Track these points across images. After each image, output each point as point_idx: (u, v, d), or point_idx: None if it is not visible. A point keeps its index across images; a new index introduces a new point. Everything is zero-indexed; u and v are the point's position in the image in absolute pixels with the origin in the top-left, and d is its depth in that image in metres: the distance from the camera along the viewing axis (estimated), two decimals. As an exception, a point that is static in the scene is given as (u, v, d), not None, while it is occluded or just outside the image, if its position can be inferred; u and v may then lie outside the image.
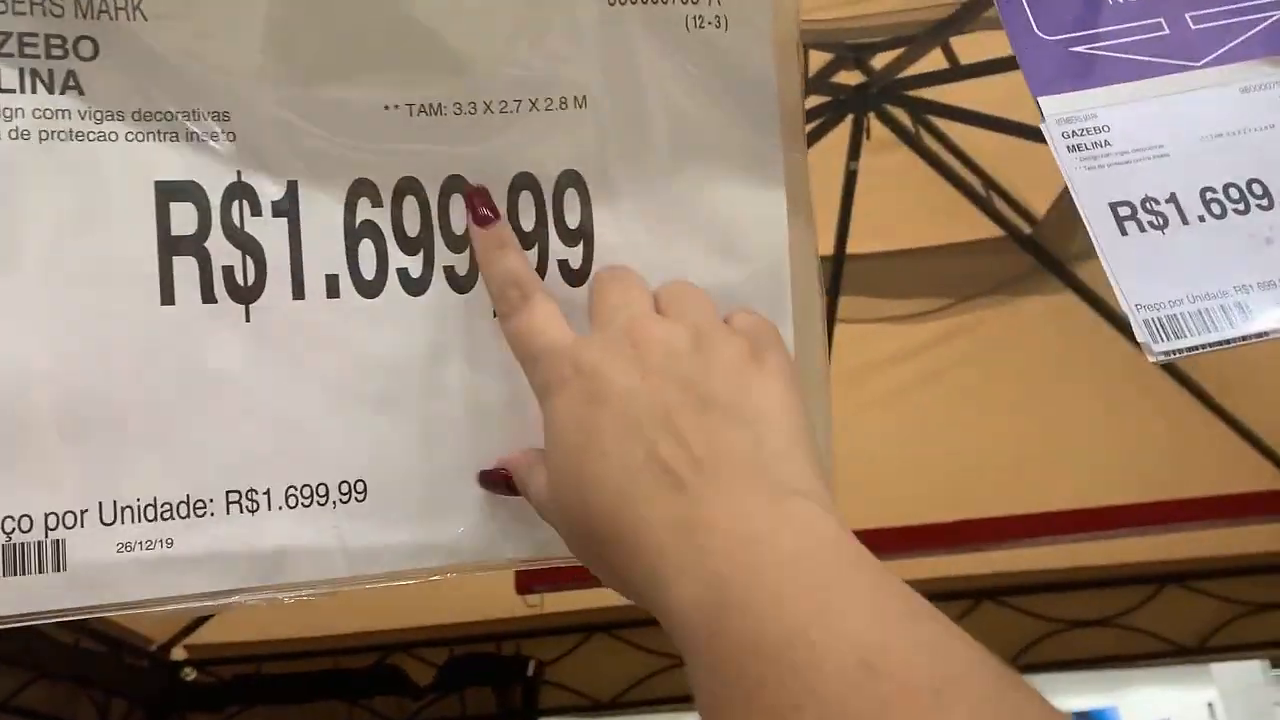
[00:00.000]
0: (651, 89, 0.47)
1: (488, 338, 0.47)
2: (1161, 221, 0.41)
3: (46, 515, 0.42)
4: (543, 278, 0.47)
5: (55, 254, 0.43)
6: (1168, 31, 0.44)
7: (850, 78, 1.76)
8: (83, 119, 0.43)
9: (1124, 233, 0.40)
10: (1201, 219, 0.41)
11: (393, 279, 0.46)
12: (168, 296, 0.44)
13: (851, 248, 1.97)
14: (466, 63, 0.46)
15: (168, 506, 0.44)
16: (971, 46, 1.62)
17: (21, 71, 0.43)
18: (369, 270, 0.46)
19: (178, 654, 2.55)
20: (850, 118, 1.79)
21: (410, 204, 0.46)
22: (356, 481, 0.46)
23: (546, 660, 2.59)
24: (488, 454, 0.47)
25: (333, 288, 0.46)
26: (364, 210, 0.46)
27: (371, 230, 0.46)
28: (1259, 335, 0.39)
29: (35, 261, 0.42)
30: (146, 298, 0.44)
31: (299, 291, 0.46)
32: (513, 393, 0.47)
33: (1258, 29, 0.43)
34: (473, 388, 0.47)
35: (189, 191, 0.44)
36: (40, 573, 0.42)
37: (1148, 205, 0.41)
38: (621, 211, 0.47)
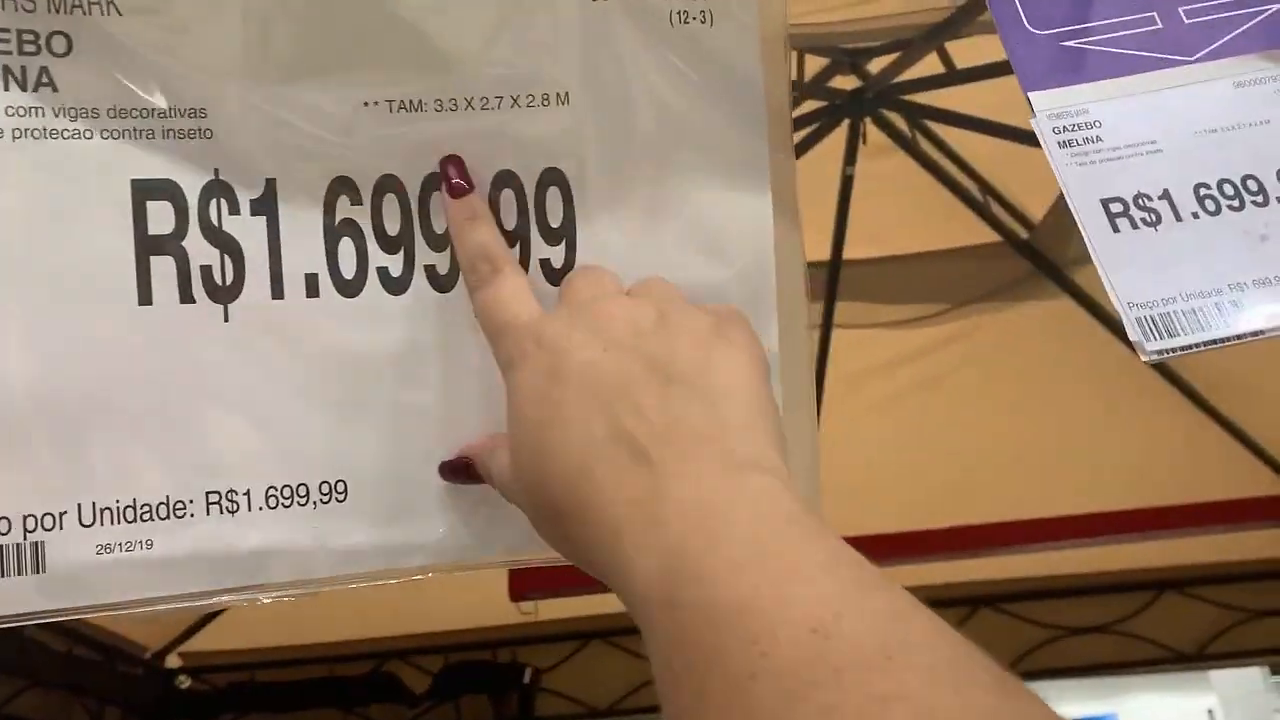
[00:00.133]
0: (635, 86, 0.46)
1: (469, 337, 0.46)
2: (1154, 218, 0.40)
3: (25, 517, 0.42)
4: None
5: (30, 254, 0.42)
6: (1161, 26, 0.43)
7: (846, 82, 1.75)
8: (56, 116, 0.42)
9: (1116, 230, 0.40)
10: (1195, 216, 0.40)
11: (373, 278, 0.46)
12: (145, 296, 0.44)
13: (848, 253, 1.97)
14: (447, 59, 0.46)
15: (147, 508, 0.43)
16: (968, 51, 1.62)
17: None
18: (349, 269, 0.46)
19: (172, 661, 2.54)
20: (846, 122, 1.79)
21: (390, 202, 0.46)
22: (337, 482, 0.45)
23: (543, 667, 2.58)
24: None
25: (312, 287, 0.45)
26: (344, 209, 0.46)
27: (351, 229, 0.46)
28: (1254, 334, 0.38)
29: (9, 262, 0.42)
30: (123, 298, 0.43)
31: (278, 291, 0.45)
32: (494, 392, 0.46)
33: (1252, 23, 0.43)
34: (454, 387, 0.46)
35: (166, 190, 0.44)
36: (19, 575, 0.42)
37: (1140, 202, 0.40)
38: (604, 210, 0.47)
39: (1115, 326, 1.90)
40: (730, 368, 0.39)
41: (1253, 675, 3.80)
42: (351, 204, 0.46)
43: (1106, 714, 3.90)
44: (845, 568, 0.32)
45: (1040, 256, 1.89)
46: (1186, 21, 0.43)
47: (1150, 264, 0.39)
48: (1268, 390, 2.14)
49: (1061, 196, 0.41)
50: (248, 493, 0.44)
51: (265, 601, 0.45)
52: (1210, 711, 4.05)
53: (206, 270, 0.44)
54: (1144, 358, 0.38)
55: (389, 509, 0.46)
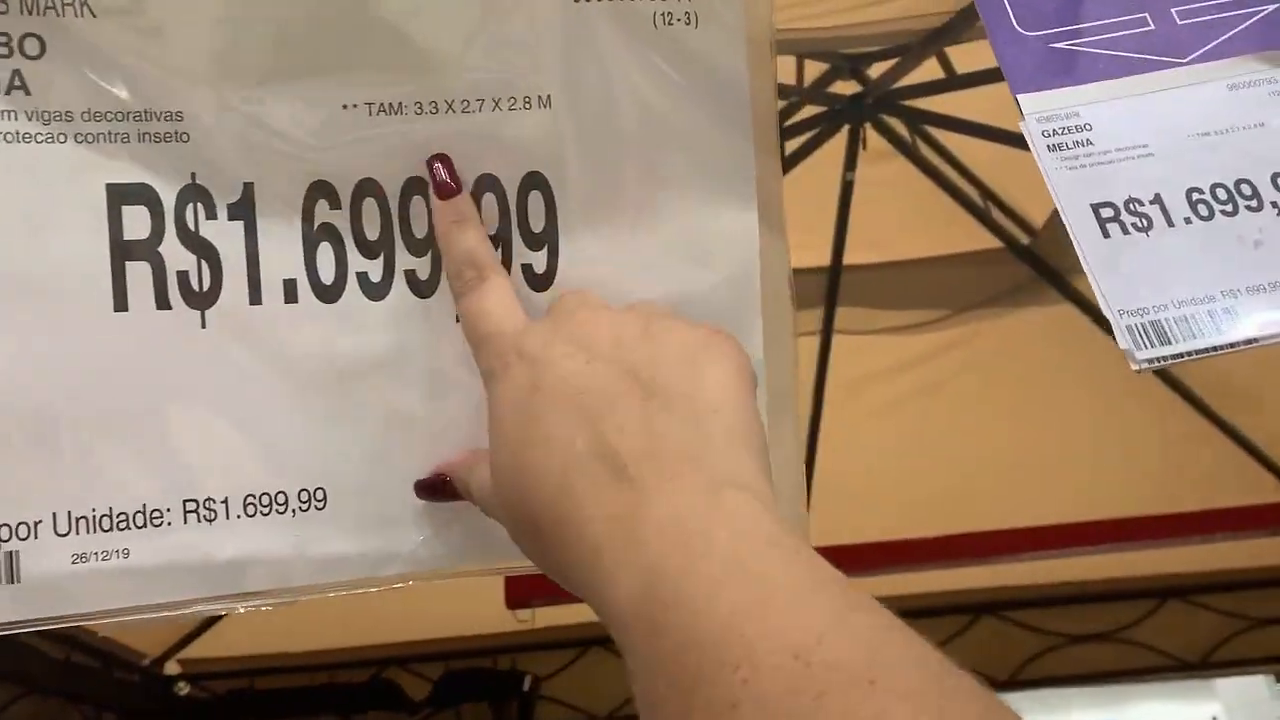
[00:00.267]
0: (618, 89, 0.46)
1: (449, 344, 0.46)
2: (1146, 223, 0.39)
3: None
4: None
5: (2, 259, 0.41)
6: (1153, 27, 0.42)
7: (846, 87, 1.74)
8: (30, 120, 0.42)
9: (1106, 235, 0.39)
10: (1188, 221, 0.39)
11: (352, 283, 0.45)
12: (120, 303, 0.43)
13: (848, 259, 1.96)
14: (427, 61, 0.45)
15: (124, 516, 0.43)
16: (968, 56, 1.61)
17: None
18: (328, 274, 0.45)
19: (171, 668, 2.54)
20: (846, 128, 1.78)
21: (370, 206, 0.45)
22: (316, 490, 0.45)
23: (543, 675, 2.58)
24: (448, 460, 0.45)
25: (290, 292, 0.45)
26: (322, 213, 0.45)
27: (330, 233, 0.45)
28: (1247, 342, 0.37)
29: None
30: (98, 304, 0.43)
31: (256, 296, 0.44)
32: (475, 401, 0.46)
33: (1246, 24, 0.42)
34: (434, 393, 0.46)
35: (141, 194, 0.43)
36: None
37: (1131, 206, 0.39)
38: (587, 215, 0.46)
39: (1117, 333, 1.88)
40: (715, 383, 0.38)
41: (1257, 684, 3.78)
42: (330, 208, 0.45)
43: (1110, 722, 3.88)
44: (827, 589, 0.31)
45: (1041, 262, 1.88)
46: (1180, 22, 0.42)
47: (1141, 270, 0.38)
48: (1271, 396, 2.13)
49: (1062, 201, 0.40)
50: (225, 501, 0.44)
51: (243, 610, 0.45)
52: (1215, 719, 4.03)
53: (183, 276, 0.43)
54: (1134, 366, 0.37)
55: (369, 517, 0.45)
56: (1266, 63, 0.42)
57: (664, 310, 0.42)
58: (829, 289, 2.00)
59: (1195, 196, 0.39)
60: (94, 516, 0.42)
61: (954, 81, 1.66)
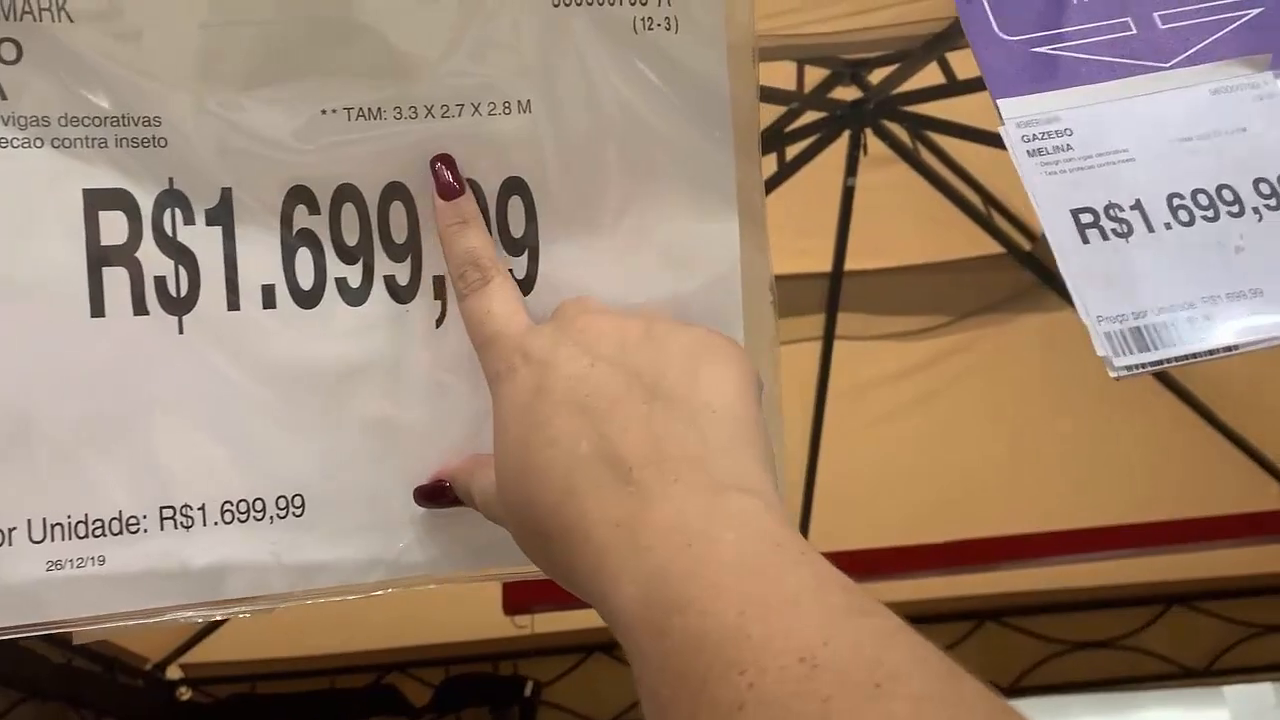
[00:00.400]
0: (598, 94, 0.45)
1: (428, 350, 0.45)
2: (1126, 229, 0.39)
3: None
4: None
5: None
6: (1135, 31, 0.42)
7: (847, 93, 1.74)
8: (6, 125, 0.42)
9: (1085, 241, 0.38)
10: (1168, 226, 0.39)
11: (331, 289, 0.45)
12: (97, 308, 0.43)
13: (849, 265, 1.96)
14: (406, 66, 0.45)
15: (99, 523, 0.43)
16: (968, 61, 1.60)
17: None
18: (306, 280, 0.45)
19: (173, 673, 2.54)
20: (847, 133, 1.78)
21: (349, 211, 0.45)
22: (294, 496, 0.44)
23: (544, 681, 2.57)
24: (427, 468, 0.46)
25: (269, 298, 0.44)
26: (301, 218, 0.45)
27: (309, 239, 0.45)
28: (1227, 349, 0.37)
29: None
30: (75, 310, 0.42)
31: (234, 302, 0.44)
32: (455, 406, 0.46)
33: (1230, 28, 0.42)
34: (412, 401, 0.46)
35: (119, 200, 0.43)
36: None
37: (1111, 212, 0.39)
38: (567, 220, 0.46)
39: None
40: (719, 385, 0.38)
41: (1265, 691, 3.76)
42: (309, 213, 0.45)
43: (1115, 729, 3.86)
44: (833, 592, 0.31)
45: (1043, 268, 1.87)
46: (1162, 27, 0.42)
47: (1120, 276, 0.38)
48: (1275, 404, 2.12)
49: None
50: (203, 507, 0.44)
51: (221, 618, 0.45)
52: (1221, 727, 4.01)
53: (160, 281, 0.43)
54: (1112, 374, 0.37)
55: (348, 524, 0.45)
56: (1250, 67, 0.41)
57: (666, 315, 0.42)
58: (830, 295, 2.00)
59: (1176, 202, 0.39)
60: (69, 523, 0.42)
61: (955, 87, 1.65)
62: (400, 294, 0.46)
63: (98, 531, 0.42)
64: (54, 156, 0.42)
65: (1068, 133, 0.40)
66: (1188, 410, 2.17)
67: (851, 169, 1.81)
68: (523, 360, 0.40)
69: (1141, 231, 0.39)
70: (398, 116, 0.45)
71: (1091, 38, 0.42)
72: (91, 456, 0.43)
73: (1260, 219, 0.39)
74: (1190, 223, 0.39)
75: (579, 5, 0.45)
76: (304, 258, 0.45)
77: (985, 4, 0.42)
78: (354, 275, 0.45)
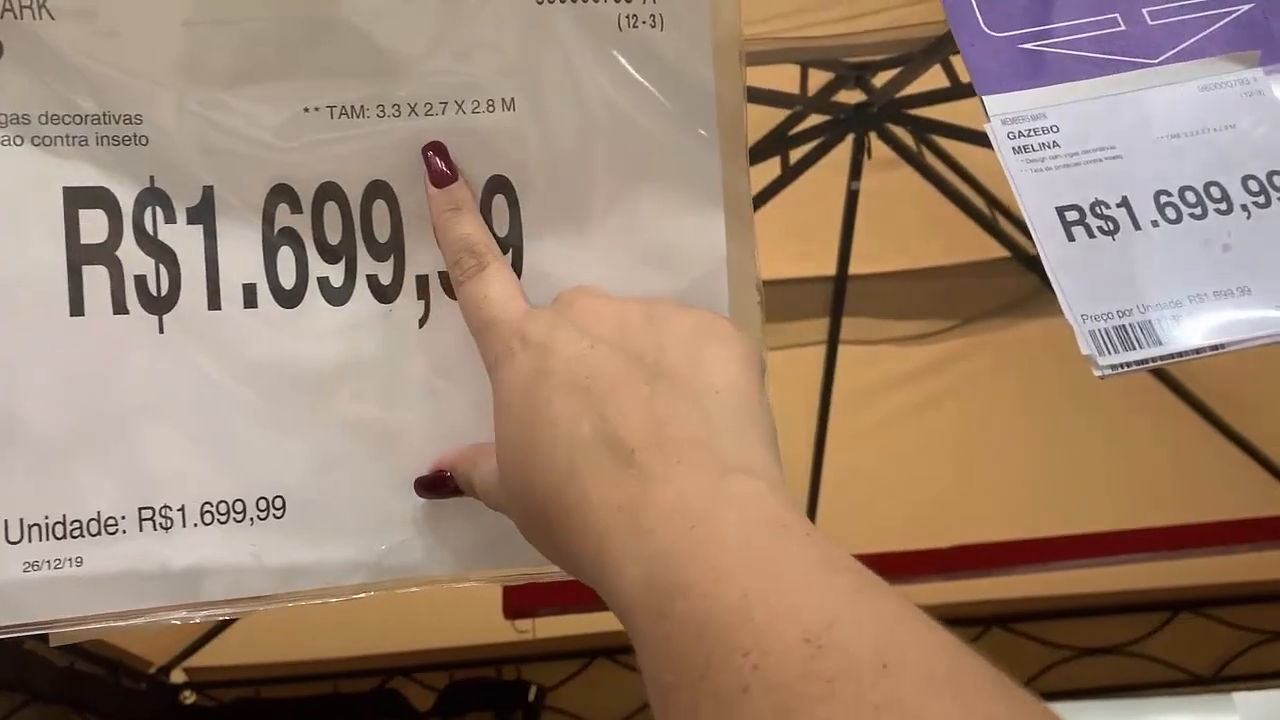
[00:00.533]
0: (582, 92, 0.45)
1: (411, 350, 0.45)
2: (1112, 227, 0.38)
3: None
4: None
5: None
6: (1124, 28, 0.41)
7: (850, 96, 1.74)
8: None
9: (1071, 238, 0.38)
10: (1155, 224, 0.38)
11: (313, 288, 0.45)
12: (77, 308, 0.42)
13: (853, 268, 1.95)
14: (389, 64, 0.44)
15: (77, 524, 0.42)
16: (972, 64, 1.60)
17: None
18: (288, 279, 0.44)
19: (177, 676, 2.54)
20: (851, 137, 1.77)
21: (331, 210, 0.45)
22: (275, 498, 0.44)
23: (548, 686, 2.57)
24: (411, 468, 0.45)
25: (250, 297, 0.44)
26: (283, 217, 0.44)
27: (291, 238, 0.44)
28: (1214, 348, 0.36)
29: None
30: (54, 309, 0.42)
31: (215, 301, 0.44)
32: (438, 407, 0.45)
33: (1220, 24, 0.41)
34: (394, 401, 0.45)
35: (99, 198, 0.43)
36: None
37: (1098, 210, 0.38)
38: (552, 217, 0.45)
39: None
40: (720, 366, 0.37)
41: (1275, 698, 3.73)
42: (291, 212, 0.44)
43: (1125, 736, 3.84)
44: (838, 572, 0.30)
45: (1048, 272, 1.86)
46: (1151, 23, 0.41)
47: (1106, 275, 0.37)
48: (1283, 408, 2.11)
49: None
50: (182, 509, 0.43)
51: (199, 620, 0.44)
52: (1231, 734, 3.98)
53: (141, 280, 0.43)
54: (1096, 372, 0.36)
55: (329, 526, 0.45)
56: (1239, 63, 0.41)
57: (666, 299, 0.41)
58: (834, 299, 1.99)
59: (1164, 199, 0.39)
60: (47, 524, 0.42)
61: (959, 90, 1.65)
62: (383, 294, 0.45)
63: (76, 532, 0.42)
64: (34, 155, 0.42)
65: (1054, 130, 0.40)
66: (1196, 415, 2.16)
67: (855, 172, 1.80)
68: (521, 344, 0.39)
69: (1128, 229, 0.38)
70: (381, 115, 0.44)
71: (1079, 34, 0.41)
72: (70, 457, 0.42)
73: (1249, 216, 0.38)
74: (1178, 220, 0.38)
75: (563, 2, 0.45)
76: (286, 257, 0.44)
77: (972, 0, 0.42)
78: (336, 275, 0.45)
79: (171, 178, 0.43)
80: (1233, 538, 2.23)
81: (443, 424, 0.45)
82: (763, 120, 1.73)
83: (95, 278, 0.43)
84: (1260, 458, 2.22)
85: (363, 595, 0.46)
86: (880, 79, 1.70)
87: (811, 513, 2.17)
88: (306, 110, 0.44)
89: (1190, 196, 0.39)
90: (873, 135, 1.77)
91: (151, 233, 0.43)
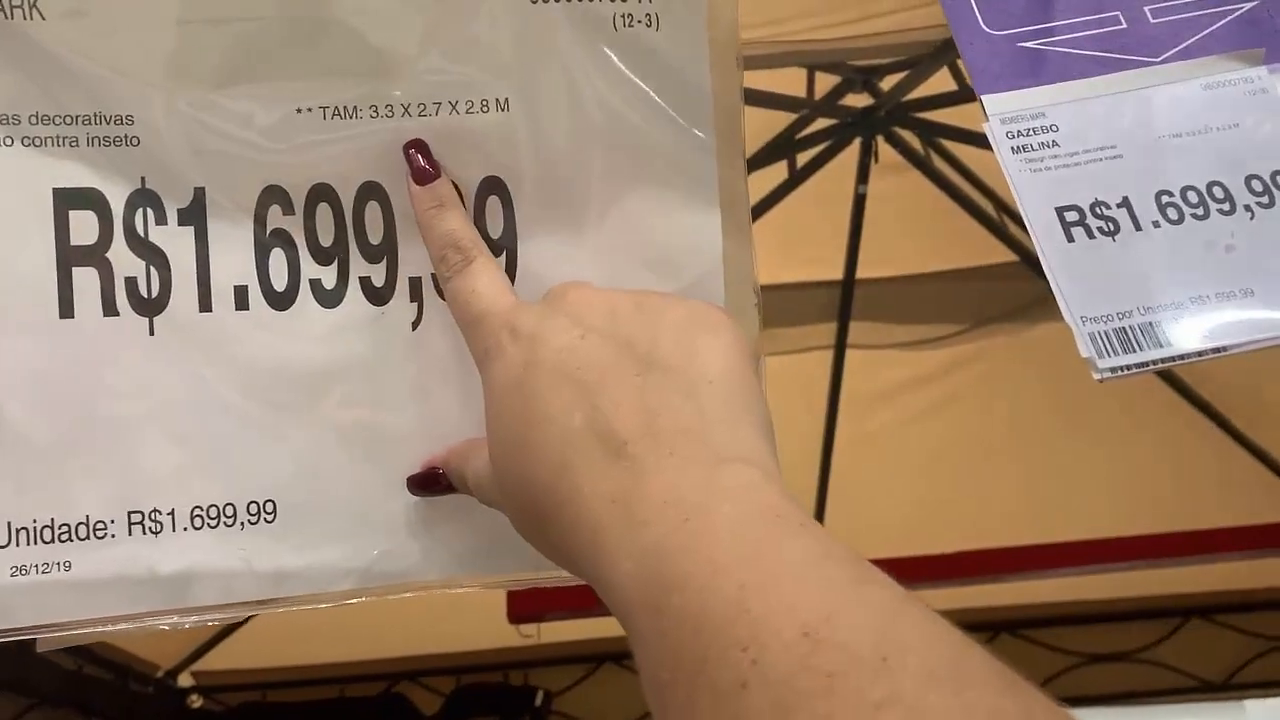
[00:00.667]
0: (577, 92, 0.45)
1: (404, 352, 0.45)
2: (1112, 227, 0.38)
3: None
4: None
5: None
6: (1125, 26, 0.41)
7: (858, 100, 1.73)
8: None
9: (1071, 239, 0.37)
10: (1156, 225, 0.38)
11: (305, 290, 0.44)
12: (66, 310, 0.42)
13: (861, 273, 1.95)
14: (382, 64, 0.44)
15: (66, 528, 0.42)
16: (979, 67, 1.59)
17: None
18: (280, 281, 0.44)
19: (184, 680, 2.54)
20: (858, 141, 1.77)
21: (324, 212, 0.44)
22: (265, 502, 0.44)
23: (555, 690, 2.56)
24: (403, 472, 0.45)
25: (241, 299, 0.44)
26: (275, 218, 0.44)
27: (283, 239, 0.44)
28: (1216, 351, 0.36)
29: None
30: (43, 311, 0.42)
31: (206, 303, 0.43)
32: (430, 410, 0.45)
33: (1223, 22, 0.40)
34: (387, 404, 0.45)
35: (90, 199, 0.42)
36: None
37: (1098, 210, 0.38)
38: (545, 220, 0.45)
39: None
40: (712, 355, 0.37)
41: (1287, 705, 3.71)
42: (283, 214, 0.44)
43: (1135, 743, 3.82)
44: (835, 563, 0.30)
45: (1057, 276, 1.85)
46: (1153, 21, 0.41)
47: (1106, 276, 0.37)
48: (1294, 413, 2.09)
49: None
50: (172, 513, 0.43)
51: (189, 625, 0.44)
52: (1243, 741, 3.96)
53: (131, 282, 0.43)
54: (1096, 375, 0.36)
55: (320, 530, 0.44)
56: (1243, 62, 0.40)
57: (656, 290, 0.41)
58: (842, 303, 1.99)
59: (1165, 200, 0.38)
60: (35, 528, 0.41)
61: (966, 93, 1.64)
62: (376, 295, 0.45)
63: (64, 536, 0.42)
64: (24, 155, 0.42)
65: (1054, 129, 0.39)
66: (1204, 420, 2.15)
67: (863, 176, 1.80)
68: (510, 336, 0.39)
69: (1129, 230, 0.37)
70: (374, 115, 0.44)
71: (1080, 32, 0.41)
72: (58, 460, 0.42)
73: (1252, 217, 0.38)
74: (1180, 221, 0.38)
75: (558, 1, 0.44)
76: (278, 258, 0.44)
77: (971, -2, 0.41)
78: (329, 276, 0.44)
79: (163, 179, 0.43)
80: (1244, 544, 2.21)
81: (436, 427, 0.45)
82: (769, 124, 1.73)
83: (85, 279, 0.42)
84: (1271, 463, 2.20)
85: (355, 601, 0.45)
86: (887, 82, 1.69)
87: (819, 516, 2.17)
88: (299, 111, 0.44)
89: (1192, 197, 0.38)
90: (880, 139, 1.76)
91: (142, 234, 0.43)
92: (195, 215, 0.43)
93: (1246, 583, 2.46)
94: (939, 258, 1.99)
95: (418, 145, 0.44)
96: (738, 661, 0.28)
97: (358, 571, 0.45)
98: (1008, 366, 2.12)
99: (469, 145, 0.44)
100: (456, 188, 0.44)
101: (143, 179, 0.43)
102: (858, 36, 1.57)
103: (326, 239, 0.44)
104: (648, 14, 0.45)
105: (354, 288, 0.45)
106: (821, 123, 1.75)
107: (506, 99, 0.44)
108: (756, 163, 1.72)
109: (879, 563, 0.31)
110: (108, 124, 0.43)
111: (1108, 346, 0.36)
